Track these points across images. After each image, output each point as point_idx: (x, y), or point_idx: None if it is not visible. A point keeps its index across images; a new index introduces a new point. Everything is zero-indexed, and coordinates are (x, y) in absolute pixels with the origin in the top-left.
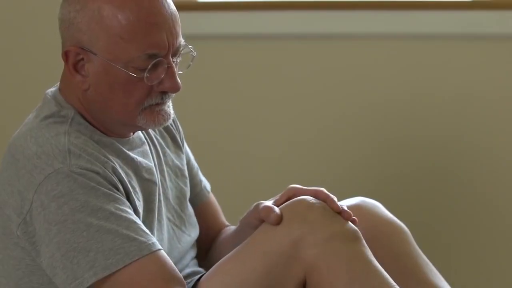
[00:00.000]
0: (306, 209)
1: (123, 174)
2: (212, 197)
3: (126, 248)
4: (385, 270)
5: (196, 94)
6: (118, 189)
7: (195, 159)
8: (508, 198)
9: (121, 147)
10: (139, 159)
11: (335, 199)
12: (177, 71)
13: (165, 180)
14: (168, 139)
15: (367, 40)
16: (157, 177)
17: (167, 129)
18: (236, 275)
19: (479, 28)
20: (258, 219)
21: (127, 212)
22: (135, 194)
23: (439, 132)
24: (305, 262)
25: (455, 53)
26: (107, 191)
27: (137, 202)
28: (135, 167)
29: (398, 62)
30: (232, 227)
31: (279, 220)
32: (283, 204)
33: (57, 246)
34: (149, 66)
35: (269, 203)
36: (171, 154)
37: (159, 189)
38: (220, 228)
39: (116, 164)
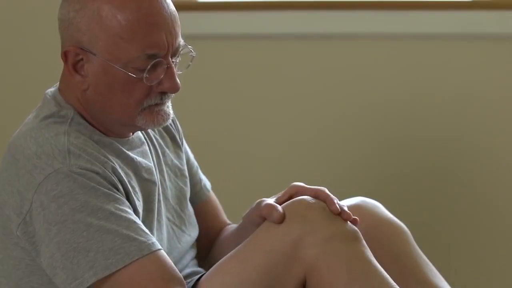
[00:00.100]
0: (306, 209)
1: (122, 174)
2: (212, 195)
3: (126, 248)
4: (385, 270)
5: (196, 94)
6: (118, 189)
7: (195, 159)
8: (508, 198)
9: (120, 147)
10: (139, 159)
11: (336, 199)
12: (177, 72)
13: (164, 180)
14: (168, 139)
15: (367, 40)
16: (156, 177)
17: (167, 129)
18: (236, 275)
19: (479, 28)
20: (260, 217)
21: (127, 212)
22: (134, 194)
23: (439, 132)
24: (305, 262)
25: (455, 53)
26: (107, 191)
27: (136, 202)
28: (135, 167)
29: (398, 62)
30: (234, 226)
31: (282, 218)
32: (283, 204)
33: (57, 246)
34: (149, 67)
35: (271, 200)
36: (170, 154)
37: (158, 189)
38: (221, 226)
39: (116, 164)
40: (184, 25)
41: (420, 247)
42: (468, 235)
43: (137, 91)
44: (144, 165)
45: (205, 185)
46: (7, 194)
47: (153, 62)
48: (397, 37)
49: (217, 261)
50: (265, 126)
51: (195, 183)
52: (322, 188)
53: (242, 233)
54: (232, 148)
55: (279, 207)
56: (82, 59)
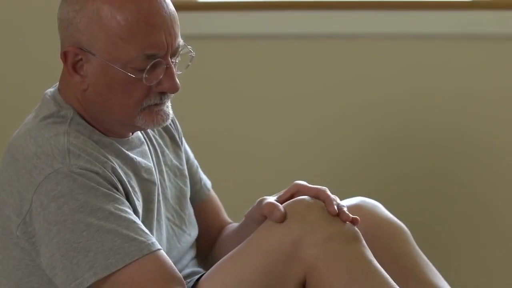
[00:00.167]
0: (306, 209)
1: (122, 174)
2: (213, 194)
3: (126, 248)
4: (385, 270)
5: (196, 94)
6: (117, 189)
7: (195, 158)
8: (508, 198)
9: (120, 147)
10: (138, 159)
11: (337, 199)
12: (176, 72)
13: (164, 180)
14: (167, 139)
15: (367, 40)
16: (156, 177)
17: (166, 129)
18: (236, 274)
19: (479, 28)
20: (261, 215)
21: (126, 212)
22: (134, 194)
23: (439, 132)
24: (305, 262)
25: (455, 53)
26: (107, 191)
27: (136, 202)
28: (135, 167)
29: (398, 62)
30: (235, 224)
31: (283, 218)
32: (284, 204)
33: (57, 246)
34: (148, 67)
35: (272, 199)
36: (170, 154)
37: (158, 189)
38: (222, 225)
39: (116, 164)
40: (184, 25)
41: (420, 247)
42: (468, 235)
43: (137, 91)
44: (143, 165)
45: (205, 184)
46: (7, 195)
47: (152, 62)
48: (397, 37)
49: (219, 260)
50: (265, 126)
51: (195, 182)
52: (323, 188)
53: (244, 231)
54: (232, 148)
55: (281, 206)
56: (81, 59)
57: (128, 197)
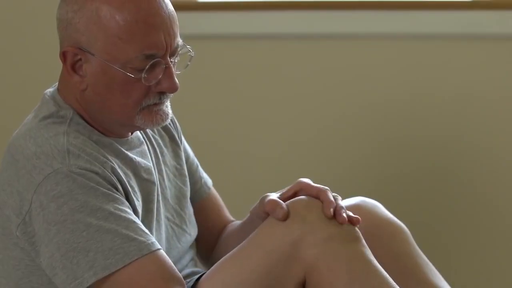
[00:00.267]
0: (306, 209)
1: (122, 174)
2: (214, 193)
3: (125, 248)
4: (385, 270)
5: (196, 94)
6: (117, 189)
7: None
8: (508, 198)
9: (119, 147)
10: (138, 159)
11: (339, 199)
12: (175, 71)
13: (163, 179)
14: (167, 139)
15: (367, 40)
16: (155, 177)
17: (166, 129)
18: (236, 274)
19: (479, 28)
20: (264, 212)
21: (126, 212)
22: (134, 194)
23: (439, 132)
24: (305, 262)
25: (455, 53)
26: (106, 191)
27: (136, 202)
28: (134, 167)
29: (398, 62)
30: (238, 222)
31: (285, 216)
32: (286, 202)
33: (57, 246)
34: (147, 67)
35: (275, 196)
36: (169, 154)
37: (157, 189)
38: (224, 223)
39: (115, 164)
40: (184, 25)
41: (420, 247)
42: (468, 235)
43: (136, 91)
44: (143, 165)
45: (205, 183)
46: (7, 195)
47: (151, 62)
48: (397, 37)
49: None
50: (265, 126)
51: (195, 181)
52: (325, 188)
53: (248, 227)
54: (232, 148)
55: (283, 204)
56: (80, 59)
57: (128, 197)
